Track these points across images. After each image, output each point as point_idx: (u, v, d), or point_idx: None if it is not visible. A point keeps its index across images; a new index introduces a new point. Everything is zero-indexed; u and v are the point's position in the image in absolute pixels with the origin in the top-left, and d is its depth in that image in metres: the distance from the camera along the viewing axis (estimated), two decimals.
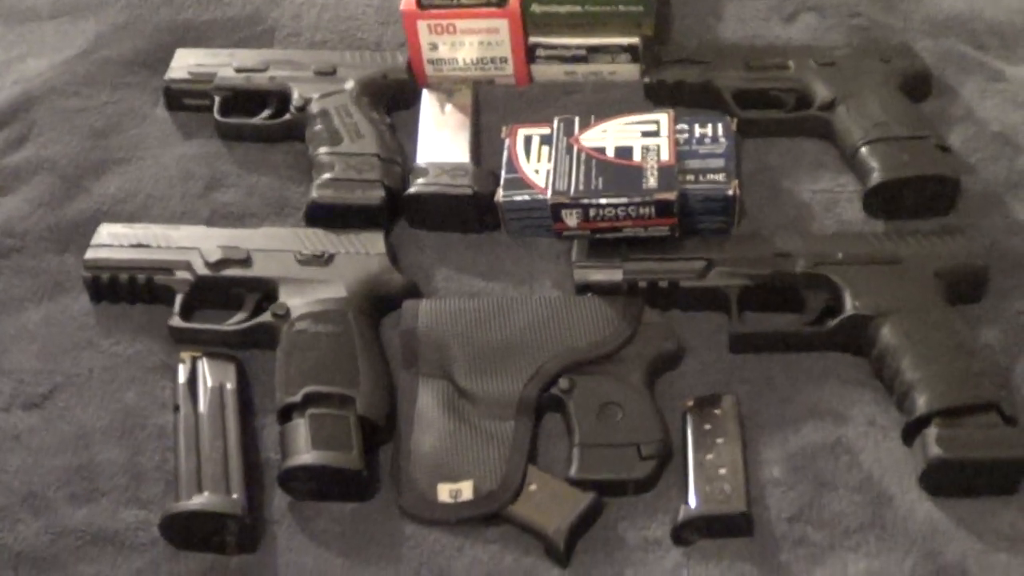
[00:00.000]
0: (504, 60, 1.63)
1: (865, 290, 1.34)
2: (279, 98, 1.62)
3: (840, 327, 1.33)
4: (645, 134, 1.43)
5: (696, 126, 1.49)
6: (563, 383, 1.30)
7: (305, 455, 1.24)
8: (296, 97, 1.60)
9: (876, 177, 1.45)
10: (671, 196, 1.35)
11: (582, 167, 1.40)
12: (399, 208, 1.50)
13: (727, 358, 1.36)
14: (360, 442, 1.26)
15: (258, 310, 1.40)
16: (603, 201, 1.36)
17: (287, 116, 1.60)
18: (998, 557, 1.20)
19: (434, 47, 1.62)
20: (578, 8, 1.60)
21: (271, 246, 1.44)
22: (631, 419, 1.28)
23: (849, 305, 1.33)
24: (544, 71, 1.66)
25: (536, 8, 1.61)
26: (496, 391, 1.30)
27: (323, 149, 1.52)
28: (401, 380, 1.34)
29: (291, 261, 1.42)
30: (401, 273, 1.43)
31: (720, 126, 1.49)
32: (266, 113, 1.62)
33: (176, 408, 1.31)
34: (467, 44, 1.62)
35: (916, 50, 1.64)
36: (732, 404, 1.29)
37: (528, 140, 1.50)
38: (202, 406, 1.30)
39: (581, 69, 1.65)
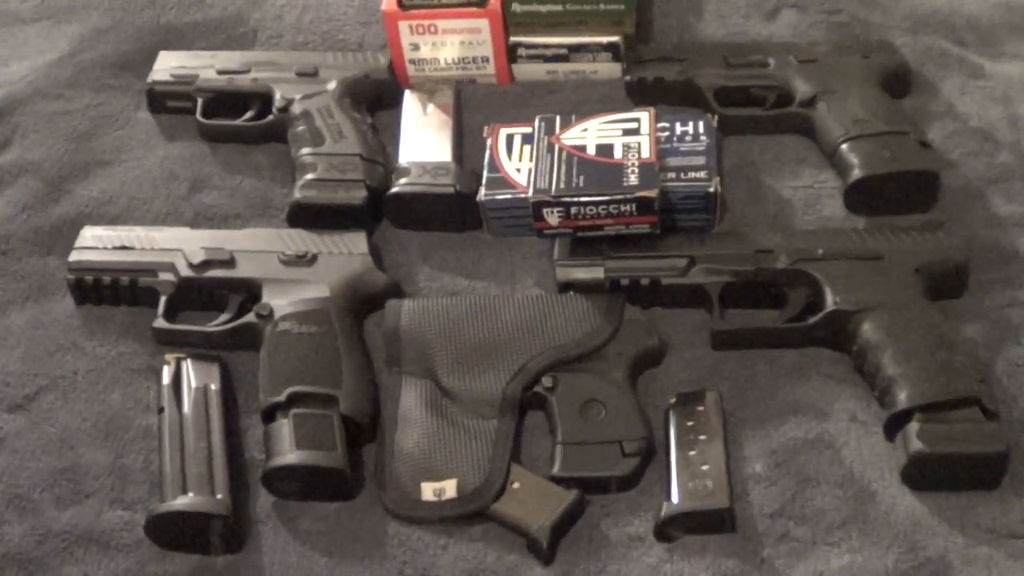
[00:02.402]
0: (486, 60, 1.64)
1: (846, 286, 1.34)
2: (261, 99, 1.62)
3: (821, 323, 1.34)
4: (626, 132, 1.43)
5: (677, 124, 1.49)
6: (546, 381, 1.31)
7: (289, 455, 1.24)
8: (278, 98, 1.60)
9: (857, 173, 1.45)
10: (652, 193, 1.35)
11: (563, 165, 1.40)
12: (382, 208, 1.50)
13: (709, 355, 1.36)
14: (344, 441, 1.26)
15: (242, 311, 1.40)
16: (584, 199, 1.36)
17: (269, 117, 1.60)
18: (980, 551, 1.20)
19: (416, 47, 1.63)
20: (559, 7, 1.61)
21: (254, 247, 1.44)
22: (614, 416, 1.28)
23: (830, 301, 1.34)
24: (526, 70, 1.66)
25: (517, 7, 1.61)
26: (479, 389, 1.30)
27: (305, 150, 1.52)
28: (384, 379, 1.35)
29: (274, 262, 1.42)
30: (384, 273, 1.43)
31: (701, 124, 1.49)
32: (248, 115, 1.62)
33: (160, 409, 1.31)
34: (448, 44, 1.62)
35: (896, 46, 1.64)
36: (714, 400, 1.30)
37: (510, 139, 1.50)
38: (186, 407, 1.30)
39: (562, 68, 1.65)
